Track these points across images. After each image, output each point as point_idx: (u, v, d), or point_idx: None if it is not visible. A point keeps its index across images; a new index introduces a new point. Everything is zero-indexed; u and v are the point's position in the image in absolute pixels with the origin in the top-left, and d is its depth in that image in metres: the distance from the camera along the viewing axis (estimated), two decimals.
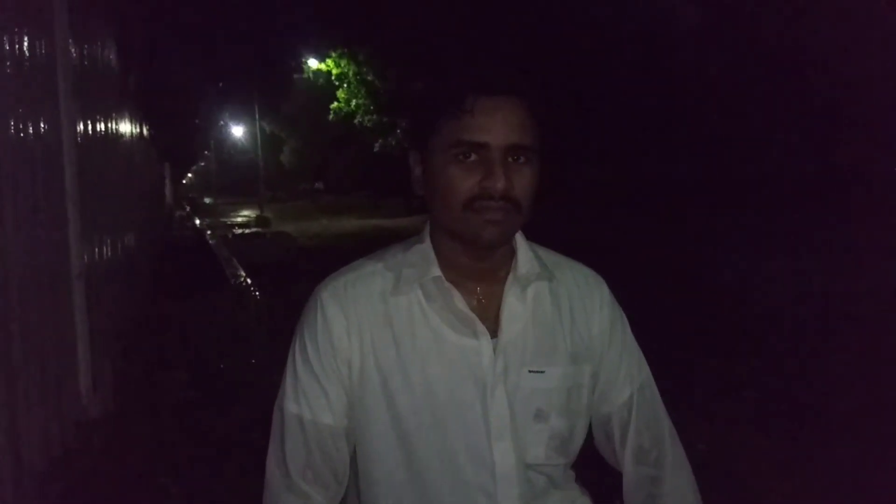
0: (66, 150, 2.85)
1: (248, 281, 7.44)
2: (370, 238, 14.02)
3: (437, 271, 1.07)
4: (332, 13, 18.36)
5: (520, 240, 1.12)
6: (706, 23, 12.90)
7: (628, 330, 1.19)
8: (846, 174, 11.58)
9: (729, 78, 13.25)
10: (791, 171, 12.68)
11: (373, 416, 1.05)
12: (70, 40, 3.06)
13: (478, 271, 1.09)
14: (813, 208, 10.97)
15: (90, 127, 3.72)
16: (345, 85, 22.22)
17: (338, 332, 1.05)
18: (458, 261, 1.08)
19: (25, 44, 2.33)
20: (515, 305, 1.09)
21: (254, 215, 24.27)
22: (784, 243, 9.21)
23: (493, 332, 1.07)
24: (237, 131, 40.89)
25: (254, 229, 18.69)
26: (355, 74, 21.52)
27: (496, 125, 0.99)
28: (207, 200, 39.32)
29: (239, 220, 24.66)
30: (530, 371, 1.07)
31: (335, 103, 22.98)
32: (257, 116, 27.18)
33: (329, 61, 22.90)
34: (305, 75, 27.18)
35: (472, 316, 1.06)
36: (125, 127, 6.07)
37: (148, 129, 9.36)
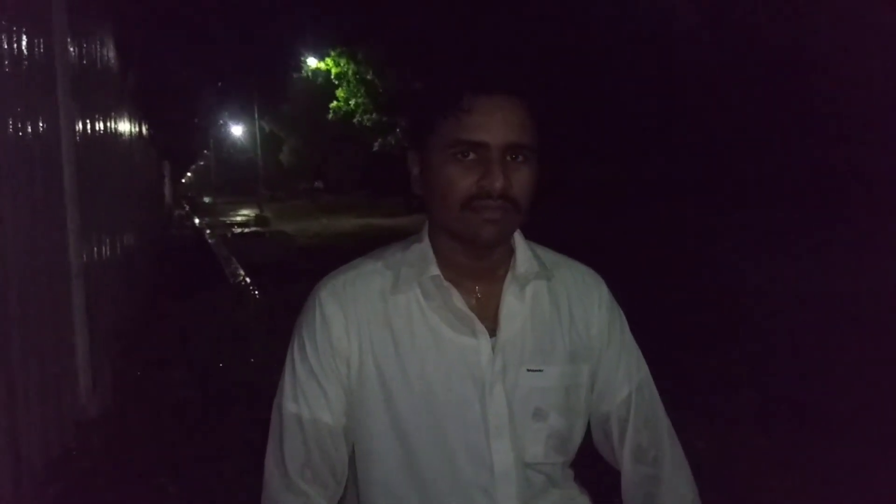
0: (65, 150, 2.85)
1: (248, 280, 7.43)
2: (369, 237, 14.00)
3: (435, 270, 1.07)
4: (331, 12, 18.36)
5: (518, 239, 1.12)
6: (706, 23, 12.90)
7: (627, 329, 1.19)
8: (846, 174, 11.56)
9: (729, 78, 13.24)
10: (791, 171, 12.66)
11: (371, 415, 1.05)
12: (69, 39, 3.07)
13: (476, 270, 1.09)
14: (813, 208, 10.97)
15: (89, 126, 3.72)
16: (344, 84, 22.24)
17: (337, 330, 1.05)
18: (456, 260, 1.08)
19: (24, 43, 2.33)
20: (514, 304, 1.09)
21: (253, 214, 24.21)
22: (784, 243, 9.20)
23: (492, 331, 1.07)
24: (236, 130, 40.89)
25: (253, 228, 18.64)
26: (354, 73, 21.55)
27: (494, 124, 0.99)
28: (207, 199, 39.23)
29: (238, 219, 24.59)
30: (529, 370, 1.07)
31: (334, 102, 23.01)
32: (256, 115, 27.18)
33: (328, 60, 22.93)
34: (304, 74, 27.16)
35: (471, 315, 1.06)
36: (124, 126, 6.07)
37: (147, 129, 9.36)
